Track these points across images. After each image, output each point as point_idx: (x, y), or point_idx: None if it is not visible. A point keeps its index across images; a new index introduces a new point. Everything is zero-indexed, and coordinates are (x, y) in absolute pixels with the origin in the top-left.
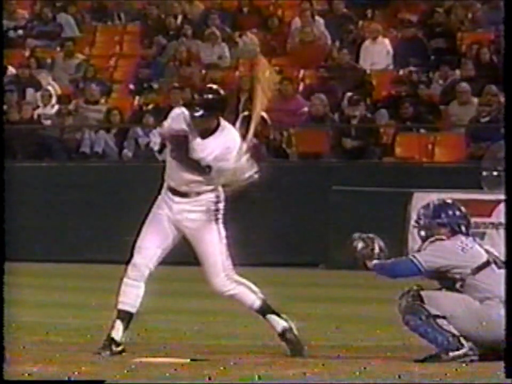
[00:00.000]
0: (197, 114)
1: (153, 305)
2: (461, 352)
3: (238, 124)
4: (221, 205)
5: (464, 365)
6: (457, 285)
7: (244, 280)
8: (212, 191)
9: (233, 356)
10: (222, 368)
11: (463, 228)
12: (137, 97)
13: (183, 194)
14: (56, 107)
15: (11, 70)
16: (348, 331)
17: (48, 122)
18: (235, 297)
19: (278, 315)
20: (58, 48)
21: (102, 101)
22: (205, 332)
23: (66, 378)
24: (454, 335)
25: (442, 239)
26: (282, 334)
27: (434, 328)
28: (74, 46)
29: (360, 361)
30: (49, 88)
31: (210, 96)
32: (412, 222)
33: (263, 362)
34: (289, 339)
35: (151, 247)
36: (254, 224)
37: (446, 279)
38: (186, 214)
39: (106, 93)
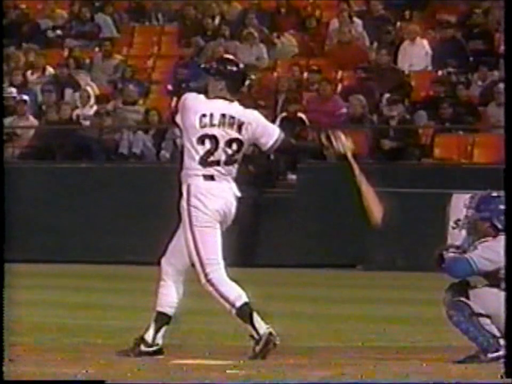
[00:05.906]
0: (215, 80)
1: (190, 307)
2: (499, 353)
3: (276, 124)
4: (193, 202)
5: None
6: (502, 285)
7: (221, 286)
8: (185, 178)
9: (272, 357)
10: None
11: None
12: (175, 98)
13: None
14: (95, 108)
15: (50, 70)
16: (386, 332)
17: (86, 122)
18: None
19: (258, 323)
20: (96, 49)
21: (140, 101)
22: (241, 334)
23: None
24: (494, 336)
25: (488, 240)
26: (257, 340)
27: (476, 327)
28: (112, 47)
29: (398, 362)
30: (88, 88)
31: (232, 67)
32: (451, 223)
33: (301, 363)
34: (259, 346)
35: (170, 243)
36: (292, 226)
37: (492, 279)
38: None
39: (145, 93)
